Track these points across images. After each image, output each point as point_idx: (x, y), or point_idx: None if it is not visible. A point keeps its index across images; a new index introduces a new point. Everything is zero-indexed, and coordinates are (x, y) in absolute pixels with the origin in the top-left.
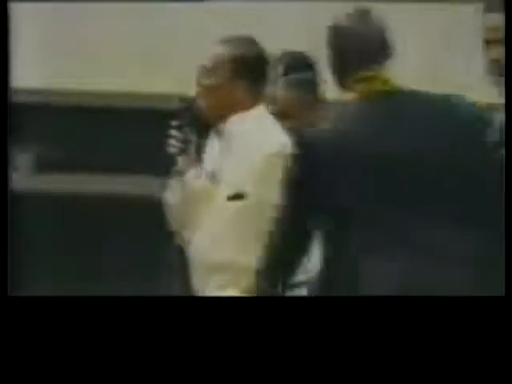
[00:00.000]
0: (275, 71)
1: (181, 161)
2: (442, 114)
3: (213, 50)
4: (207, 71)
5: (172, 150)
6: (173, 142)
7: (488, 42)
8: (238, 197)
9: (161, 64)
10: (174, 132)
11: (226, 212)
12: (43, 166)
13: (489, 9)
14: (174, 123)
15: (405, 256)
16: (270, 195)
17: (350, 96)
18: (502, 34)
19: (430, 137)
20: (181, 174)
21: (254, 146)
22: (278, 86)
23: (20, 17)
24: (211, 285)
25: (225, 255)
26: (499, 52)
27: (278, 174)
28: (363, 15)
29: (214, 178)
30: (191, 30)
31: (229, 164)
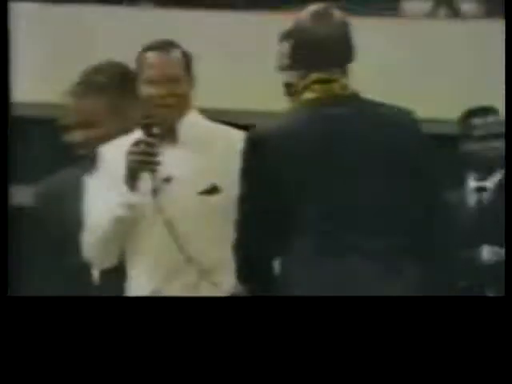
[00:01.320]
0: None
1: (148, 177)
2: (388, 124)
3: (156, 57)
4: (174, 79)
5: (143, 165)
6: (144, 157)
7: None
8: (212, 191)
9: None
10: (144, 147)
11: (201, 208)
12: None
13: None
14: (143, 139)
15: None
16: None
17: (306, 96)
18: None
19: (375, 143)
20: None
21: (221, 139)
22: (75, 96)
23: (21, 29)
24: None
25: (189, 253)
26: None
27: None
28: (326, 15)
29: (168, 181)
30: None
31: (196, 162)
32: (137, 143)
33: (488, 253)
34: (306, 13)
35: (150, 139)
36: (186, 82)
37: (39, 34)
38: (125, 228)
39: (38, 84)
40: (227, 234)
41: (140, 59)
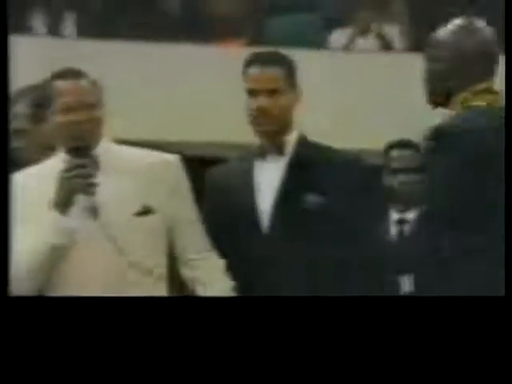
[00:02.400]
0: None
1: (83, 199)
2: None
3: (69, 84)
4: (89, 105)
5: (80, 189)
6: (79, 180)
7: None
8: (145, 212)
9: None
10: (80, 171)
11: (136, 230)
12: None
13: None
14: (78, 162)
15: None
16: (184, 207)
17: (475, 103)
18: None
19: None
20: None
21: (142, 159)
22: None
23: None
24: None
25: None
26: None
27: (186, 186)
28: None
29: (95, 212)
30: None
31: (123, 187)
32: (70, 168)
33: (408, 283)
34: (451, 26)
35: (84, 161)
36: (100, 108)
37: (38, 68)
38: (59, 256)
39: None
40: (164, 249)
41: (50, 87)
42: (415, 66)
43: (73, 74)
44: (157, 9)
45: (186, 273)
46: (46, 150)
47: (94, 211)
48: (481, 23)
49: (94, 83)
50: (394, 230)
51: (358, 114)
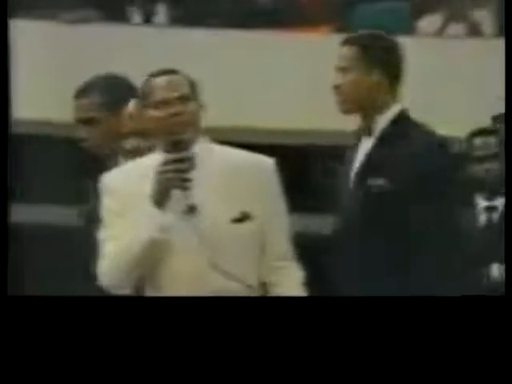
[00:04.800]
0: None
1: (180, 195)
2: None
3: (164, 80)
4: (182, 99)
5: (176, 184)
6: (177, 175)
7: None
8: (243, 218)
9: None
10: (177, 165)
11: (233, 237)
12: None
13: None
14: (177, 156)
15: None
16: (275, 213)
17: None
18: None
19: None
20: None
21: (239, 161)
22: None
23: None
24: None
25: (218, 283)
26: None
27: (278, 190)
28: None
29: (192, 210)
30: None
31: (222, 190)
32: (167, 162)
33: (498, 271)
34: None
35: (180, 156)
36: (194, 104)
37: (40, 51)
38: (156, 252)
39: (37, 101)
40: (260, 260)
41: (147, 84)
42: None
43: (169, 72)
44: None
45: (265, 278)
46: (117, 141)
47: (191, 208)
48: None
49: (189, 79)
50: (482, 218)
51: (444, 101)
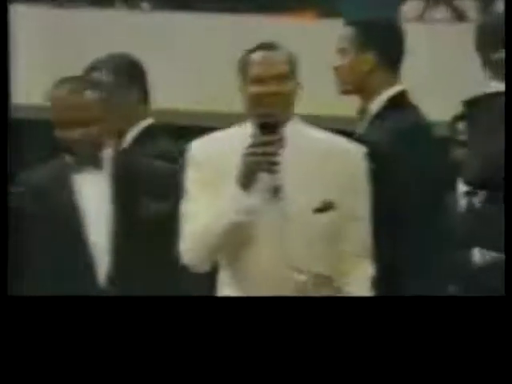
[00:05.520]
0: None
1: (266, 178)
2: None
3: (263, 56)
4: (281, 77)
5: (263, 167)
6: (265, 158)
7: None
8: (326, 208)
9: None
10: (266, 149)
11: (313, 226)
12: None
13: None
14: (265, 139)
15: None
16: (359, 204)
17: None
18: None
19: None
20: (274, 191)
21: (328, 146)
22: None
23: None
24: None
25: (297, 272)
26: None
27: (365, 181)
28: None
29: (276, 194)
30: None
31: (308, 174)
32: (255, 144)
33: (479, 256)
34: None
35: (271, 138)
36: (292, 82)
37: (39, 36)
38: (240, 233)
39: (37, 86)
40: (335, 251)
41: (245, 60)
42: None
43: (269, 46)
44: None
45: (335, 267)
46: (128, 119)
47: (276, 191)
48: None
49: (290, 55)
50: (463, 203)
51: (428, 85)
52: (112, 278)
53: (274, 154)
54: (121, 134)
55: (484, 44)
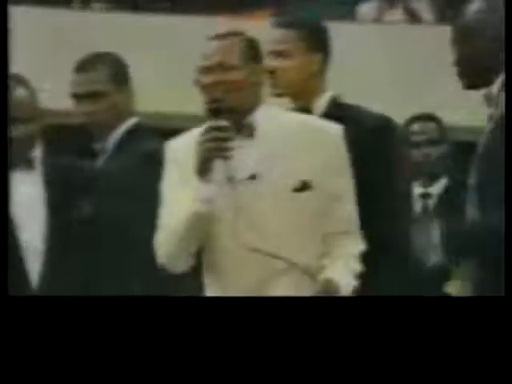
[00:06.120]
0: None
1: (222, 165)
2: None
3: (213, 45)
4: (227, 67)
5: (214, 153)
6: (214, 144)
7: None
8: (302, 187)
9: None
10: (214, 134)
11: (289, 207)
12: None
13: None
14: (215, 124)
15: None
16: (340, 183)
17: None
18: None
19: None
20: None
21: (312, 131)
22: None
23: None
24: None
25: (279, 254)
26: None
27: (344, 159)
28: None
29: (253, 179)
30: None
31: (281, 158)
32: (207, 130)
33: (433, 257)
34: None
35: (220, 123)
36: (246, 70)
37: (37, 37)
38: (202, 225)
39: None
40: (319, 231)
41: (204, 48)
42: (443, 38)
43: (226, 34)
44: None
45: (321, 249)
46: (123, 115)
47: (231, 179)
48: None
49: (246, 42)
50: (418, 205)
51: (384, 86)
52: (44, 279)
53: (225, 140)
54: (106, 132)
55: (460, 40)
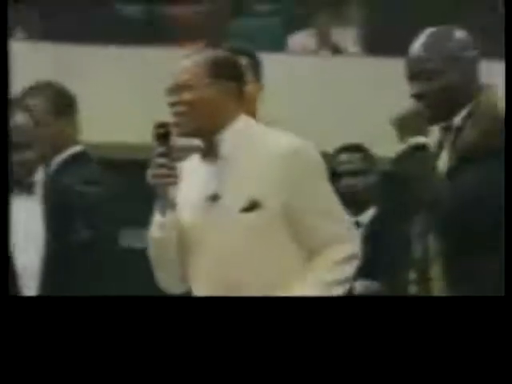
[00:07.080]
0: None
1: (168, 190)
2: None
3: (179, 66)
4: (185, 86)
5: (160, 179)
6: (160, 171)
7: None
8: (252, 207)
9: None
10: (160, 160)
11: (238, 226)
12: None
13: None
14: (159, 150)
15: None
16: (290, 201)
17: None
18: None
19: None
20: (172, 205)
21: (265, 148)
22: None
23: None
24: None
25: (238, 276)
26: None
27: (294, 177)
28: None
29: (215, 199)
30: None
31: (235, 177)
32: (152, 157)
33: (360, 286)
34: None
35: (163, 149)
36: (198, 90)
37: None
38: (164, 249)
39: None
40: (270, 252)
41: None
42: (369, 70)
43: (193, 52)
44: (117, 13)
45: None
46: (66, 145)
47: (213, 197)
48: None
49: (214, 60)
50: None
51: (312, 117)
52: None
53: (170, 167)
54: (49, 160)
55: (414, 75)
